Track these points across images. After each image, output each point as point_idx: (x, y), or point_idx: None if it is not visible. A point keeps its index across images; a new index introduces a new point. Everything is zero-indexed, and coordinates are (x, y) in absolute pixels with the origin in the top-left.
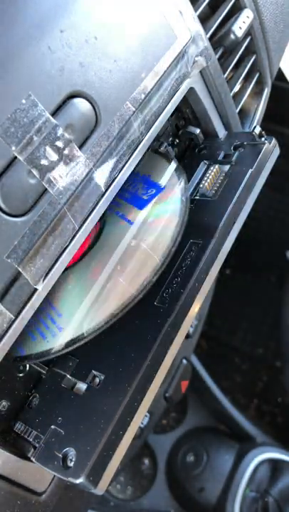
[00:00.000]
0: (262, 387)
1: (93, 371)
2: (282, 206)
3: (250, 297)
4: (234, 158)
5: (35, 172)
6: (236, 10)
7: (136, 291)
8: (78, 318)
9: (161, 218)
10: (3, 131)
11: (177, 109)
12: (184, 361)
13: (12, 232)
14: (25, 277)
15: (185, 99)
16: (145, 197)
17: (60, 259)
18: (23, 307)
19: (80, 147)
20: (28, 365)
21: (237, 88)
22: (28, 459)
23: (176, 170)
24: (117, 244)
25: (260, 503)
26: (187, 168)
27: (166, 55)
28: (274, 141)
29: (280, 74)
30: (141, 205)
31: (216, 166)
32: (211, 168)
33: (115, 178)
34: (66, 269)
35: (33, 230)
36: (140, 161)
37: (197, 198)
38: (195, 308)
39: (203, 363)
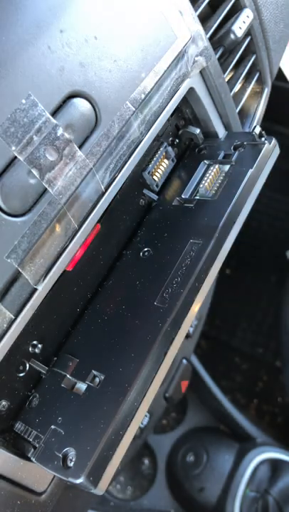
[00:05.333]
0: (262, 387)
1: (93, 371)
2: (282, 206)
3: (250, 297)
4: (234, 158)
5: (35, 172)
6: (236, 10)
7: None
8: None
9: None
10: (3, 131)
11: (177, 109)
12: (184, 361)
13: (12, 232)
14: (25, 277)
15: (185, 99)
16: None
17: (60, 259)
18: (23, 307)
19: (80, 147)
20: (28, 365)
21: (237, 88)
22: (28, 459)
23: None
24: None
25: (260, 503)
26: (187, 168)
27: (166, 55)
28: (274, 141)
29: (280, 74)
30: None
31: (216, 166)
32: (211, 168)
33: (115, 177)
34: None
35: (33, 230)
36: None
37: (197, 198)
38: (195, 308)
39: (203, 363)
